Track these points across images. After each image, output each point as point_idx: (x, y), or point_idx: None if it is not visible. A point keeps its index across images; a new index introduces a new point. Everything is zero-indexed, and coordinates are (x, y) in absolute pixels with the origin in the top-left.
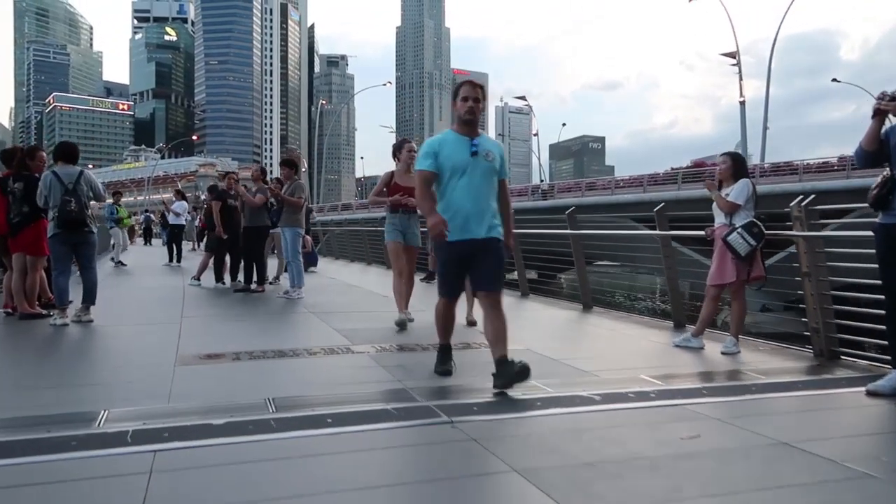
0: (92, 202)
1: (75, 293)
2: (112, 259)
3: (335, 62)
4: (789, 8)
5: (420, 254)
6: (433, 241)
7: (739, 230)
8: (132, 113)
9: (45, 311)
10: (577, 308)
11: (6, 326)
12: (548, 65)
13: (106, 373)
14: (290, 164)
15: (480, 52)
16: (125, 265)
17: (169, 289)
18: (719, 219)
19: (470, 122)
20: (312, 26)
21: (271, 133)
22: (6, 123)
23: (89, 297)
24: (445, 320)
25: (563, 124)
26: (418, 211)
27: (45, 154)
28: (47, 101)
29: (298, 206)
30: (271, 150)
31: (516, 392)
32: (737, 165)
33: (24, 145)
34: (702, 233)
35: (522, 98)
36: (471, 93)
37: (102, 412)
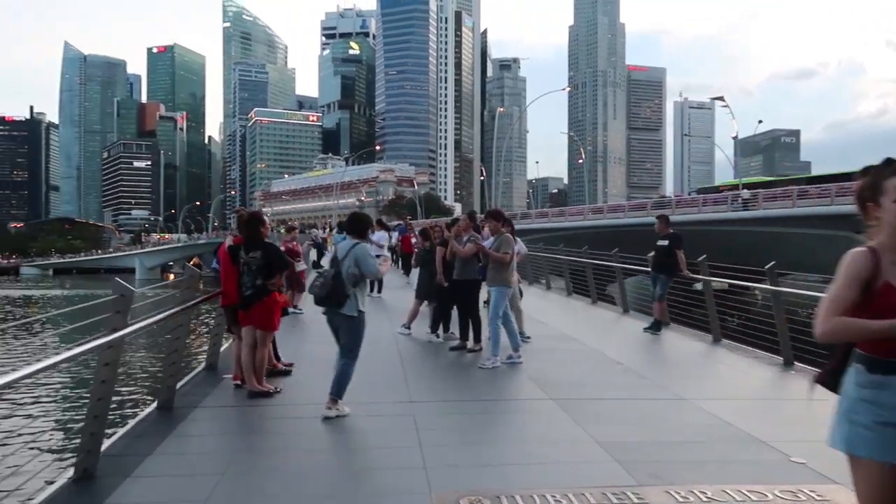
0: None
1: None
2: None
3: (507, 65)
4: None
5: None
6: None
7: None
8: (320, 124)
9: (273, 389)
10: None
11: (236, 409)
12: (728, 56)
13: None
14: (497, 216)
15: (655, 46)
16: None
17: (382, 339)
18: None
19: None
20: (485, 31)
21: (446, 138)
22: (217, 137)
23: (336, 389)
24: None
25: (760, 121)
26: None
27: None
28: (249, 115)
29: (505, 263)
30: (446, 155)
31: None
32: None
33: (250, 209)
34: None
35: (720, 98)
36: None
37: None
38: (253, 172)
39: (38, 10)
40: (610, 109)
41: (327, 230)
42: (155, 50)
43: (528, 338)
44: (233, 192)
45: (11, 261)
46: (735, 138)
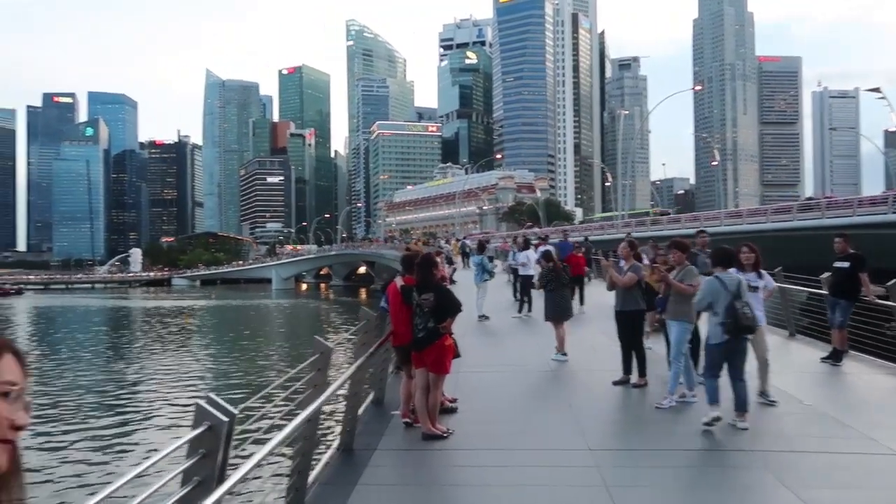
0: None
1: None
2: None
3: (627, 65)
4: None
5: None
6: None
7: None
8: (440, 134)
9: (445, 432)
10: None
11: (414, 455)
12: (870, 40)
13: None
14: (681, 247)
15: (787, 34)
16: (488, 318)
17: (541, 369)
18: None
19: None
20: (602, 32)
21: (565, 142)
22: (342, 151)
23: (742, 406)
24: None
25: None
26: None
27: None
28: (372, 129)
29: (689, 296)
30: (565, 160)
31: None
32: None
33: (421, 250)
34: None
35: (876, 90)
36: None
37: None
38: (376, 184)
39: (182, 42)
40: (739, 104)
41: (451, 242)
42: (285, 71)
43: (775, 401)
44: (358, 204)
45: (164, 273)
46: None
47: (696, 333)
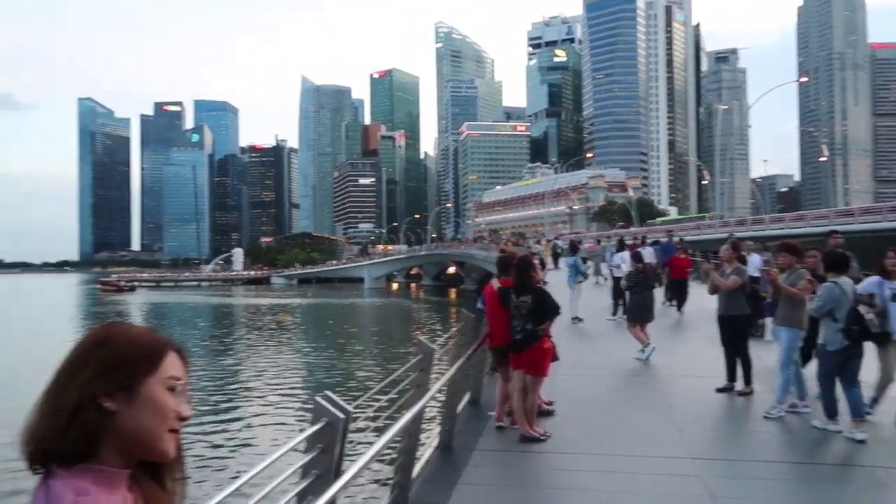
0: None
1: None
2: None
3: (724, 57)
4: None
5: None
6: None
7: None
8: (528, 133)
9: (543, 434)
10: None
11: (513, 456)
12: None
13: None
14: (792, 249)
15: None
16: (581, 320)
17: (637, 374)
18: None
19: None
20: (697, 25)
21: (658, 139)
22: (431, 152)
23: (858, 412)
24: None
25: None
26: None
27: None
28: (460, 130)
29: (800, 301)
30: (658, 157)
31: None
32: None
33: (515, 252)
34: None
35: None
36: None
37: None
38: (465, 184)
39: (280, 51)
40: (850, 95)
41: (542, 242)
42: (376, 75)
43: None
44: (448, 205)
45: (264, 272)
46: None
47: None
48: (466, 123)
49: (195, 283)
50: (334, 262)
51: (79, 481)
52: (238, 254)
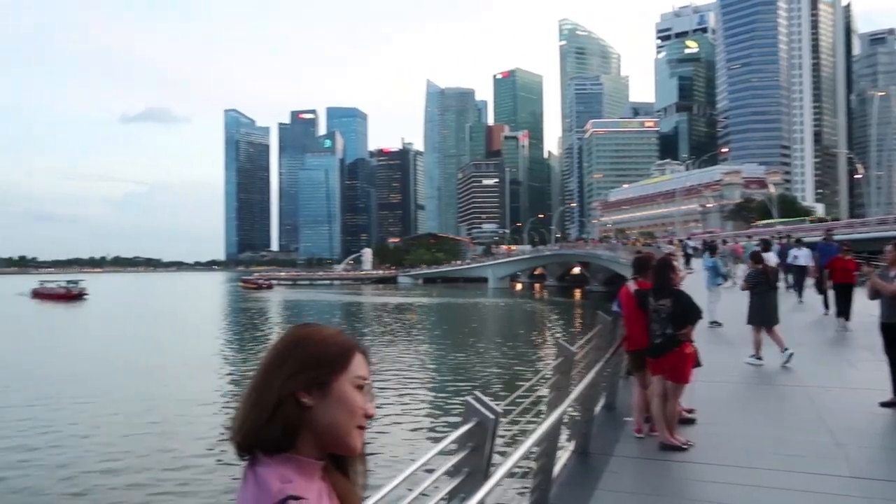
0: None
1: None
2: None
3: (880, 39)
4: None
5: None
6: None
7: None
8: (657, 129)
9: (685, 443)
10: None
11: (654, 464)
12: None
13: None
14: None
15: None
16: (720, 325)
17: (785, 382)
18: None
19: None
20: (848, 5)
21: (802, 131)
22: (555, 151)
23: None
24: None
25: None
26: None
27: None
28: (585, 127)
29: None
30: (802, 150)
31: None
32: None
33: (653, 254)
34: None
35: None
36: None
37: None
38: (590, 183)
39: (406, 57)
40: None
41: (675, 242)
42: (499, 76)
43: None
44: (572, 204)
45: (391, 271)
46: None
47: None
48: (591, 121)
49: (328, 281)
50: (459, 262)
51: (282, 469)
52: (367, 254)
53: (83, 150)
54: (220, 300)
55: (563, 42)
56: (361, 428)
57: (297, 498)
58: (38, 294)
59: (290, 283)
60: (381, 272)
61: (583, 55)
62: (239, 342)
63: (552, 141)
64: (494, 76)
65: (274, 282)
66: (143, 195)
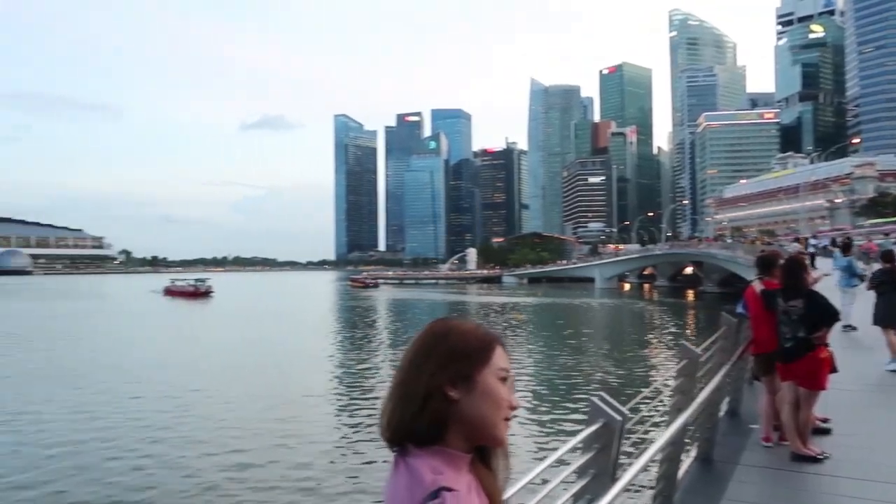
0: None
1: None
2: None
3: None
4: None
5: None
6: None
7: None
8: (777, 120)
9: (820, 454)
10: None
11: (783, 475)
12: None
13: None
14: None
15: None
16: (855, 328)
17: None
18: None
19: None
20: None
21: None
22: (665, 147)
23: None
24: None
25: None
26: None
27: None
28: (698, 121)
29: None
30: None
31: None
32: None
33: (780, 253)
34: None
35: None
36: None
37: None
38: (703, 179)
39: (509, 56)
40: None
41: (801, 240)
42: (605, 71)
43: None
44: (683, 202)
45: (495, 271)
46: None
47: None
48: (705, 114)
49: (433, 281)
50: (564, 261)
51: (432, 460)
52: (471, 253)
53: (206, 157)
54: (331, 298)
55: (674, 33)
56: (507, 420)
57: (449, 489)
58: (170, 291)
59: (396, 282)
60: (485, 272)
61: (695, 46)
62: (351, 339)
63: (662, 136)
64: (601, 72)
65: (380, 281)
66: (259, 199)
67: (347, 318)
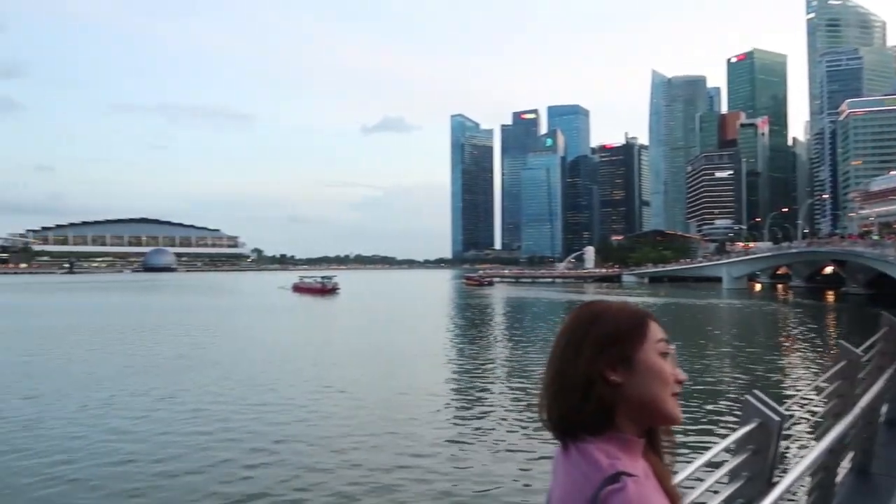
0: None
1: None
2: None
3: None
4: None
5: None
6: None
7: None
8: None
9: None
10: None
11: None
12: None
13: None
14: None
15: None
16: None
17: None
18: None
19: None
20: None
21: None
22: (801, 137)
23: None
24: None
25: None
26: None
27: None
28: (840, 109)
29: None
30: None
31: None
32: None
33: None
34: None
35: None
36: None
37: None
38: (846, 171)
39: (628, 49)
40: None
41: None
42: (734, 59)
43: None
44: (823, 196)
45: (614, 270)
46: None
47: None
48: (848, 101)
49: (549, 279)
50: (688, 260)
51: (606, 447)
52: (589, 252)
53: (330, 159)
54: (448, 295)
55: (812, 15)
56: (675, 395)
57: (629, 474)
58: (299, 288)
59: (512, 280)
60: (603, 270)
61: (836, 27)
62: (470, 336)
63: (798, 126)
64: (728, 60)
65: (496, 279)
66: (379, 199)
67: (468, 317)
